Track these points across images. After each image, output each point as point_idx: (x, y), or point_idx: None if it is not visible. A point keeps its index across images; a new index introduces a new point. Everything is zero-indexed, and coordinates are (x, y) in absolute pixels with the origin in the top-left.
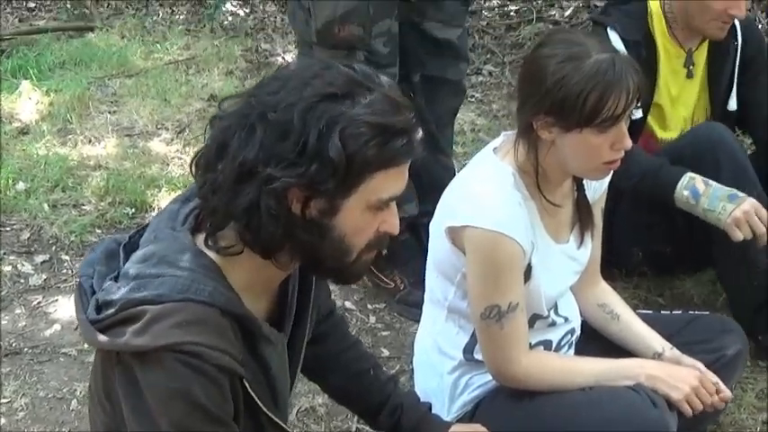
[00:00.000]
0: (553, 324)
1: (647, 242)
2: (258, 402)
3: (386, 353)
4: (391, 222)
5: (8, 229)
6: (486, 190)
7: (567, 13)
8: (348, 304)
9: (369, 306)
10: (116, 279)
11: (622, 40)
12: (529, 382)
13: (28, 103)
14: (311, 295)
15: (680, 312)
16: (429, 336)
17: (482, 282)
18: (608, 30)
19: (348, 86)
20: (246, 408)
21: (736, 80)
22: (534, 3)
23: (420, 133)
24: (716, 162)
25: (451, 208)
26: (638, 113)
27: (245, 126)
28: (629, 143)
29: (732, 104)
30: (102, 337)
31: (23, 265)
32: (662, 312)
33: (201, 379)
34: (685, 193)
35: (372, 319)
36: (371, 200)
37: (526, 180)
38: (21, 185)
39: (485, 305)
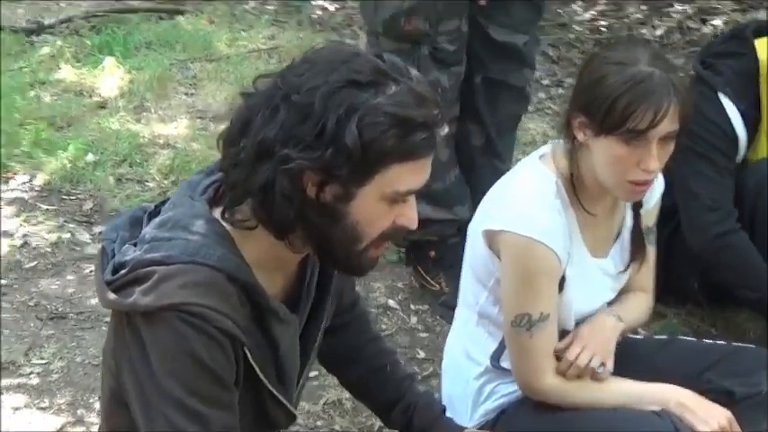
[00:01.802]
0: None
1: (705, 273)
2: (258, 373)
3: (422, 354)
4: (409, 216)
5: (72, 198)
6: (525, 195)
7: (659, 33)
8: (391, 303)
9: (412, 306)
10: (135, 244)
11: (738, 110)
12: (555, 396)
13: (110, 78)
14: (332, 282)
15: (723, 343)
16: (459, 339)
17: (515, 289)
18: (719, 95)
19: (373, 75)
20: (247, 378)
21: None
22: (626, 20)
23: (445, 129)
24: None
25: (490, 211)
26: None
27: (270, 105)
28: (654, 165)
29: None
30: (111, 296)
31: (82, 233)
32: (704, 341)
33: (204, 339)
34: None
35: (414, 319)
36: (387, 191)
37: (567, 187)
38: (90, 157)
39: (516, 313)
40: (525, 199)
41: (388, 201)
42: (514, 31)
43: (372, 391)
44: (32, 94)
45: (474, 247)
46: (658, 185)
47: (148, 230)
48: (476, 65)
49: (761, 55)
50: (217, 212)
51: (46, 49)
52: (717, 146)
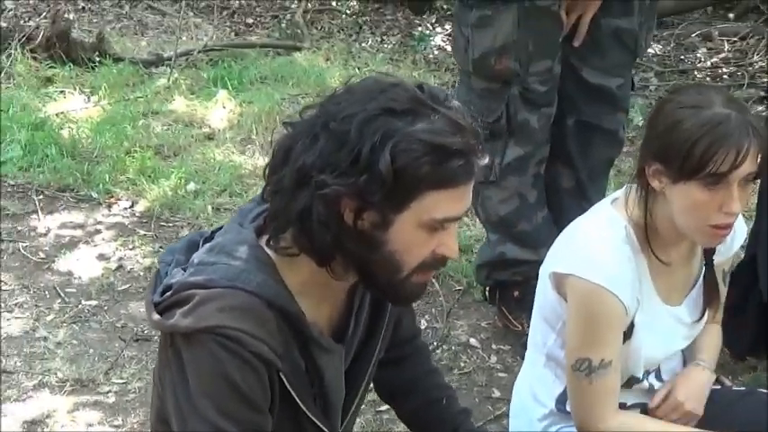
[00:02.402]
0: (651, 389)
1: None
2: (296, 399)
3: (497, 393)
4: (449, 246)
5: (170, 225)
6: (594, 240)
7: None
8: (473, 341)
9: (493, 346)
10: (185, 269)
11: None
12: None
13: (221, 111)
14: (385, 315)
15: None
16: (526, 380)
17: (578, 333)
18: None
19: (410, 104)
20: (285, 404)
21: None
22: (749, 68)
23: (485, 160)
24: None
25: (559, 254)
26: None
27: (310, 134)
28: (736, 207)
29: None
30: (155, 316)
31: None
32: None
33: (238, 362)
34: None
35: (493, 358)
36: (424, 218)
37: (638, 234)
38: (191, 186)
39: (577, 357)
40: (594, 244)
41: (426, 229)
42: (608, 74)
43: (428, 424)
44: (143, 123)
45: (543, 289)
46: (740, 231)
47: (197, 255)
48: (568, 107)
49: None
50: (263, 240)
51: (162, 81)
52: None
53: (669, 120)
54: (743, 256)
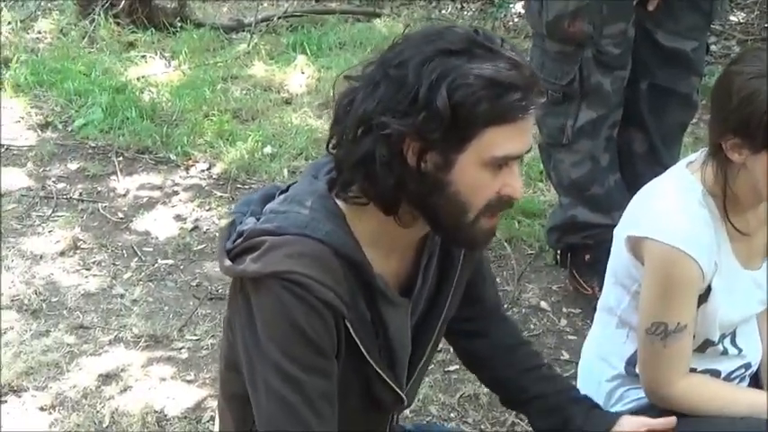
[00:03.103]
0: (725, 353)
1: None
2: (360, 347)
3: (566, 356)
4: (514, 186)
5: (247, 187)
6: (672, 204)
7: None
8: (543, 304)
9: (563, 309)
10: (258, 218)
11: None
12: (681, 406)
13: (299, 76)
14: (455, 272)
15: None
16: (596, 341)
17: (654, 297)
18: None
19: (466, 44)
20: (350, 352)
21: None
22: None
23: (542, 98)
24: None
25: (635, 217)
26: None
27: (371, 83)
28: None
29: None
30: (227, 262)
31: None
32: None
33: (305, 308)
34: None
35: (563, 322)
36: (485, 156)
37: (717, 203)
38: (268, 149)
39: (652, 320)
40: (670, 207)
41: (489, 168)
42: (683, 38)
43: (528, 388)
44: (222, 87)
45: (618, 252)
46: None
47: (271, 205)
48: (641, 71)
49: None
50: (335, 192)
51: (242, 46)
52: None
53: (742, 93)
54: None
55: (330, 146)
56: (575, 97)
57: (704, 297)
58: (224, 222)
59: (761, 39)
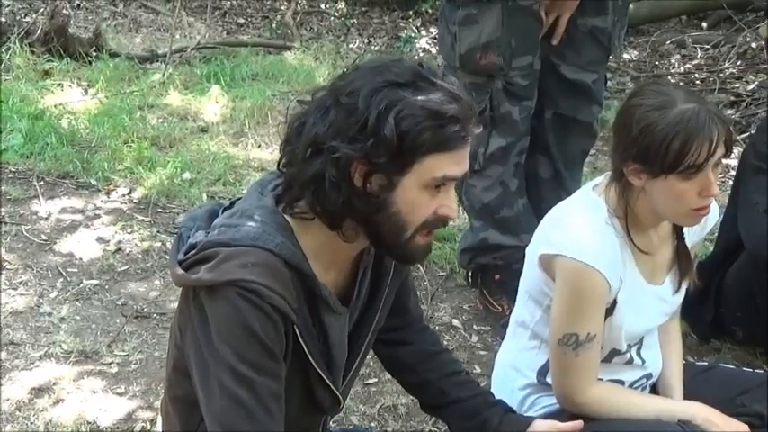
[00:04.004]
0: (630, 362)
1: (752, 324)
2: (306, 351)
3: (477, 370)
4: (449, 206)
5: (167, 211)
6: (580, 223)
7: (751, 87)
8: (455, 322)
9: (474, 326)
10: (207, 232)
11: None
12: (593, 413)
13: (214, 105)
14: (386, 284)
15: (761, 372)
16: (509, 353)
17: (565, 309)
18: None
19: (412, 77)
20: (296, 356)
21: None
22: (720, 75)
23: (479, 128)
24: None
25: (547, 236)
26: None
27: (321, 108)
28: (715, 190)
29: None
30: (180, 271)
31: (171, 243)
32: (743, 369)
33: (258, 313)
34: None
35: (475, 338)
36: (426, 179)
37: (620, 222)
38: (187, 175)
39: (564, 332)
40: (579, 225)
41: (428, 190)
42: (584, 70)
43: (447, 392)
44: (139, 115)
45: (530, 270)
46: (713, 211)
47: (219, 219)
48: (547, 101)
49: None
50: (281, 207)
51: (157, 76)
52: None
53: (641, 124)
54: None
55: (281, 164)
56: (485, 126)
57: (610, 310)
58: (147, 245)
59: (652, 75)
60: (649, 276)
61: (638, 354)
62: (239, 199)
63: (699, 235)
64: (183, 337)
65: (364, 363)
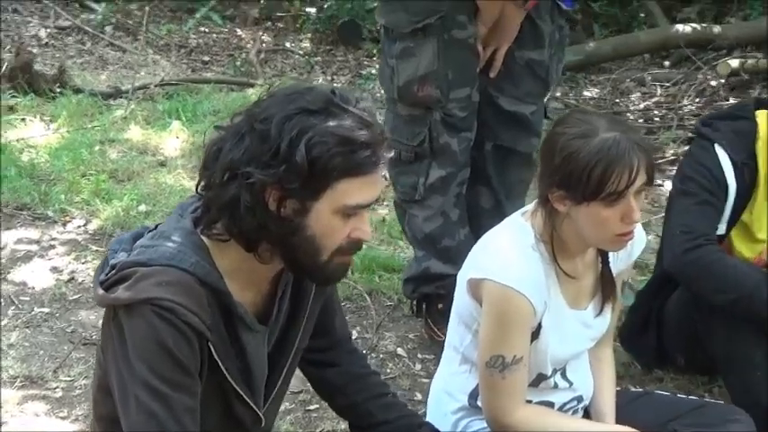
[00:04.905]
0: (556, 387)
1: (691, 349)
2: (221, 366)
3: (419, 397)
4: (362, 230)
5: None
6: (507, 248)
7: None
8: (400, 351)
9: (418, 355)
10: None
11: (731, 160)
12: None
13: (174, 140)
14: (306, 304)
15: (695, 398)
16: (442, 377)
17: (492, 332)
18: (715, 146)
19: (324, 104)
20: (212, 372)
21: None
22: (678, 112)
23: (390, 152)
24: None
25: (475, 261)
26: (722, 229)
27: (237, 134)
28: (637, 216)
29: None
30: (100, 292)
31: None
32: (677, 395)
33: (172, 330)
34: None
35: (418, 366)
36: (338, 204)
37: (546, 247)
38: (143, 207)
39: (491, 354)
40: (505, 250)
41: (341, 215)
42: (522, 102)
43: (375, 414)
44: (99, 149)
45: (460, 295)
46: (638, 238)
47: (140, 241)
48: (487, 133)
49: (760, 121)
50: (199, 229)
51: (120, 112)
52: (703, 185)
53: (565, 152)
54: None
55: (199, 188)
56: (425, 157)
57: (536, 334)
58: None
59: (612, 113)
60: (572, 301)
61: (564, 377)
62: (162, 223)
63: (626, 262)
64: (105, 356)
65: (289, 382)
